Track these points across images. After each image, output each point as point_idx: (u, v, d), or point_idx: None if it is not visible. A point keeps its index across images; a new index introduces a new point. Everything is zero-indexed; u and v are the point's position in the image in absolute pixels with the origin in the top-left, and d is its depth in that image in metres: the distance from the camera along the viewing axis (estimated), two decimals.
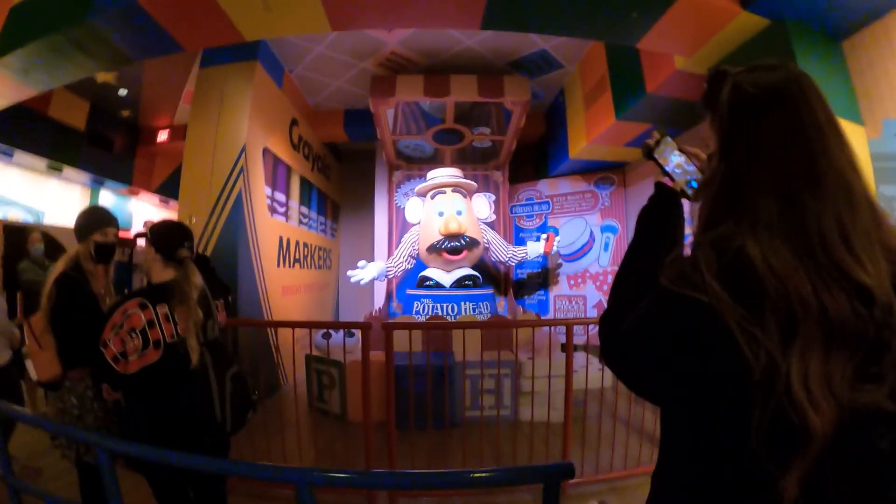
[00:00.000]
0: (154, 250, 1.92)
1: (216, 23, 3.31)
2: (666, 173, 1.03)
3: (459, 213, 6.18)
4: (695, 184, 0.99)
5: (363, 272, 6.15)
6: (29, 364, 2.26)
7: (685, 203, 1.02)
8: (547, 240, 6.53)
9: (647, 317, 0.80)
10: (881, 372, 0.63)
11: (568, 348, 3.16)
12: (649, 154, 1.06)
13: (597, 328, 0.97)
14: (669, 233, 0.97)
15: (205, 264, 2.16)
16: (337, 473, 1.30)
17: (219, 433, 1.93)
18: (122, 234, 2.54)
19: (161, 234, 1.95)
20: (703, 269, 0.70)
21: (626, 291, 0.95)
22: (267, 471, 1.64)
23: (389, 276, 6.54)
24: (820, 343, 0.63)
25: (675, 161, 1.02)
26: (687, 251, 0.83)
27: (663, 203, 1.01)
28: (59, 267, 2.21)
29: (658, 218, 1.00)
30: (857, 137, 2.99)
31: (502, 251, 6.63)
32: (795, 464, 0.62)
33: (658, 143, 1.05)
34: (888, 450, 0.62)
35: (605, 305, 0.97)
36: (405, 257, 6.53)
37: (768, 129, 0.76)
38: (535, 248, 6.65)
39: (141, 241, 2.05)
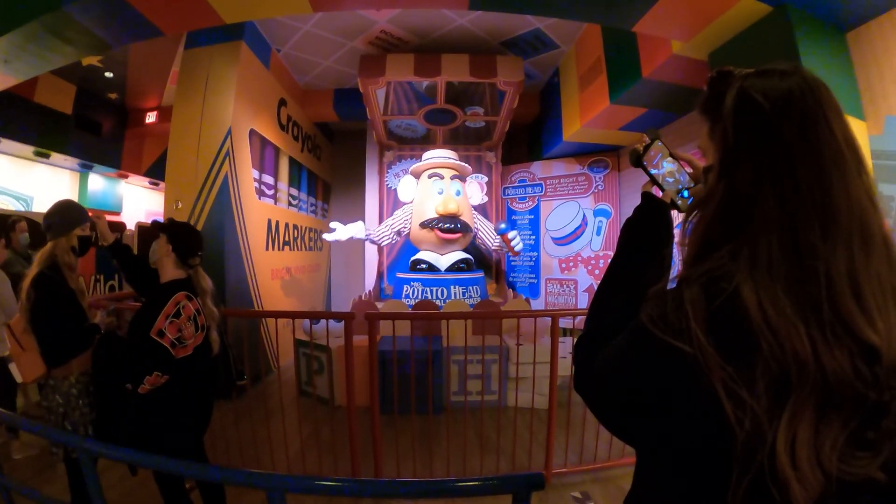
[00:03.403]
0: (171, 248, 2.14)
1: (194, 6, 3.20)
2: (655, 182, 0.92)
3: (458, 193, 6.12)
4: (686, 194, 0.90)
5: (336, 234, 6.00)
6: (13, 367, 2.29)
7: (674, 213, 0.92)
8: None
9: (621, 358, 0.72)
10: (877, 438, 0.55)
11: (553, 339, 3.15)
12: (637, 161, 0.94)
13: (581, 318, 0.90)
14: (656, 252, 0.88)
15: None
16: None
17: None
18: (112, 217, 2.58)
19: (182, 238, 2.18)
20: (689, 314, 0.62)
21: (604, 317, 0.86)
22: (244, 476, 1.62)
23: (373, 240, 6.42)
24: (813, 408, 0.56)
25: (667, 169, 0.92)
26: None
27: (651, 217, 0.91)
28: (34, 267, 2.21)
29: (645, 234, 0.90)
30: (858, 133, 2.91)
31: (490, 238, 6.58)
32: None
33: (647, 148, 0.93)
34: None
35: (583, 327, 0.89)
36: (393, 230, 6.47)
37: (778, 148, 0.65)
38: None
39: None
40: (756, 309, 0.59)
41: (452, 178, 6.25)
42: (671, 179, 0.92)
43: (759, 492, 0.56)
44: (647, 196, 0.93)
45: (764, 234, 0.63)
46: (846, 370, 0.55)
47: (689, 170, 0.93)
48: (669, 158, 0.93)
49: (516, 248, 6.19)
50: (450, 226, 5.89)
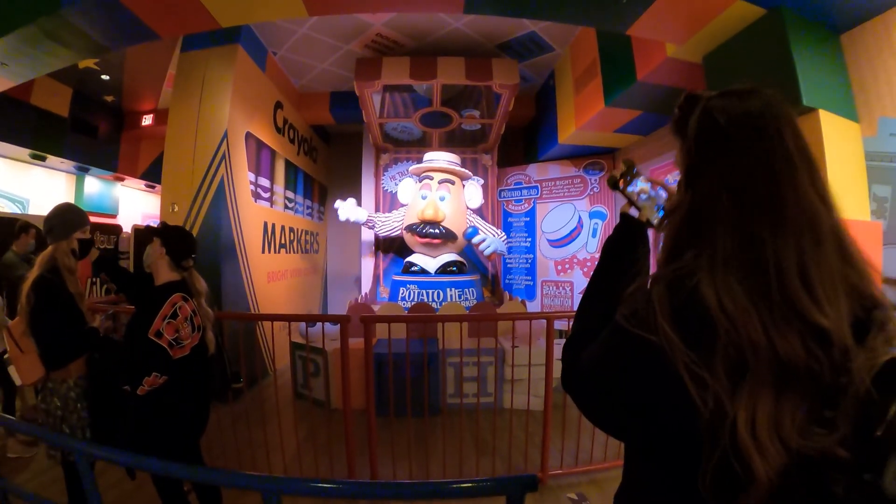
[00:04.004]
0: (165, 251, 2.16)
1: (191, 10, 3.21)
2: (633, 204, 1.01)
3: (442, 199, 6.15)
4: (662, 213, 0.97)
5: (346, 207, 6.40)
6: (12, 369, 2.31)
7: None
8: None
9: (602, 354, 0.80)
10: (835, 418, 0.60)
11: (549, 341, 3.17)
12: (615, 185, 1.04)
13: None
14: (634, 265, 0.95)
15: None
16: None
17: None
18: (108, 220, 2.61)
19: (175, 241, 2.20)
20: (656, 309, 0.69)
21: (587, 320, 0.94)
22: (240, 478, 1.63)
23: (368, 225, 6.73)
24: (770, 387, 0.61)
25: (641, 187, 1.01)
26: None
27: (629, 234, 1.00)
28: (34, 270, 2.22)
29: (623, 249, 0.99)
30: (851, 135, 2.94)
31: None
32: None
33: (624, 174, 1.03)
34: (842, 494, 0.60)
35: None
36: (390, 223, 6.69)
37: (735, 159, 0.73)
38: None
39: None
40: (714, 300, 0.65)
41: (441, 182, 6.29)
42: (645, 196, 1.01)
43: (727, 469, 0.61)
44: (624, 216, 1.02)
45: (722, 234, 0.70)
46: (798, 351, 0.61)
47: (663, 194, 1.00)
48: (642, 178, 1.02)
49: (486, 252, 6.25)
50: (430, 231, 5.95)
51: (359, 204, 7.82)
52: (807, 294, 0.64)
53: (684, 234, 0.77)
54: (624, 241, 1.00)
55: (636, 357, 0.72)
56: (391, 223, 6.69)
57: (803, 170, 0.71)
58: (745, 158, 0.72)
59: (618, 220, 1.04)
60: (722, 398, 0.62)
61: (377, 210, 7.54)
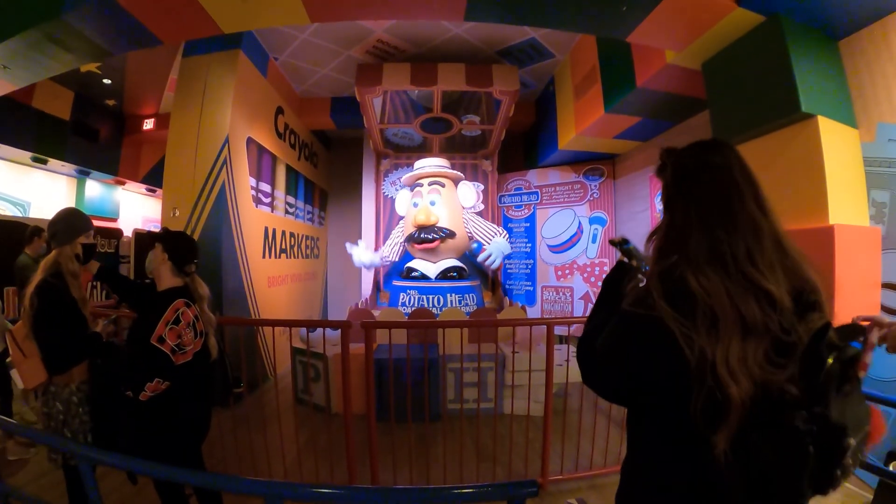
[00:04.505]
0: (167, 257, 2.16)
1: (194, 16, 3.22)
2: (626, 256, 1.35)
3: (433, 203, 6.16)
4: (646, 267, 1.26)
5: (358, 252, 6.32)
6: (14, 373, 2.31)
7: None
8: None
9: (613, 333, 1.04)
10: (786, 363, 0.88)
11: (549, 346, 3.17)
12: (615, 245, 1.40)
13: (576, 326, 1.13)
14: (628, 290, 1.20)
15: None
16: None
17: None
18: (109, 224, 2.60)
19: (178, 246, 2.20)
20: (653, 293, 0.96)
21: (596, 323, 1.17)
22: (242, 483, 1.64)
23: (385, 263, 6.71)
24: (738, 335, 0.88)
25: (634, 247, 1.37)
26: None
27: (622, 273, 1.30)
28: (38, 275, 2.21)
29: (619, 281, 1.27)
30: (850, 141, 2.96)
31: (486, 240, 6.59)
32: (723, 425, 0.86)
33: (622, 240, 1.38)
34: (802, 426, 0.83)
35: (582, 332, 1.21)
36: (394, 249, 6.65)
37: (700, 190, 1.03)
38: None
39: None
40: (694, 282, 0.93)
41: (431, 184, 6.30)
42: (633, 247, 1.36)
43: (711, 402, 0.87)
44: (620, 263, 1.35)
45: (693, 239, 0.99)
46: (755, 310, 0.89)
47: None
48: (632, 244, 1.37)
49: (493, 266, 6.27)
50: (426, 236, 5.98)
51: (359, 210, 7.87)
52: (753, 268, 0.93)
53: (667, 242, 1.06)
54: (619, 277, 1.29)
55: (641, 331, 0.98)
56: (395, 241, 6.70)
57: (748, 193, 1.01)
58: (707, 189, 1.03)
59: (614, 265, 1.37)
60: (704, 348, 0.88)
61: (377, 214, 7.57)
